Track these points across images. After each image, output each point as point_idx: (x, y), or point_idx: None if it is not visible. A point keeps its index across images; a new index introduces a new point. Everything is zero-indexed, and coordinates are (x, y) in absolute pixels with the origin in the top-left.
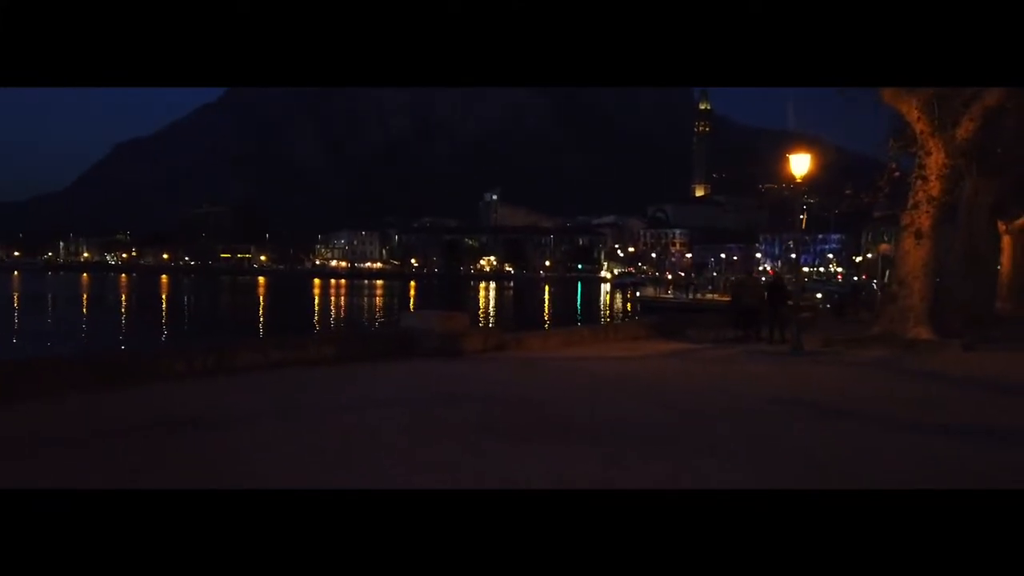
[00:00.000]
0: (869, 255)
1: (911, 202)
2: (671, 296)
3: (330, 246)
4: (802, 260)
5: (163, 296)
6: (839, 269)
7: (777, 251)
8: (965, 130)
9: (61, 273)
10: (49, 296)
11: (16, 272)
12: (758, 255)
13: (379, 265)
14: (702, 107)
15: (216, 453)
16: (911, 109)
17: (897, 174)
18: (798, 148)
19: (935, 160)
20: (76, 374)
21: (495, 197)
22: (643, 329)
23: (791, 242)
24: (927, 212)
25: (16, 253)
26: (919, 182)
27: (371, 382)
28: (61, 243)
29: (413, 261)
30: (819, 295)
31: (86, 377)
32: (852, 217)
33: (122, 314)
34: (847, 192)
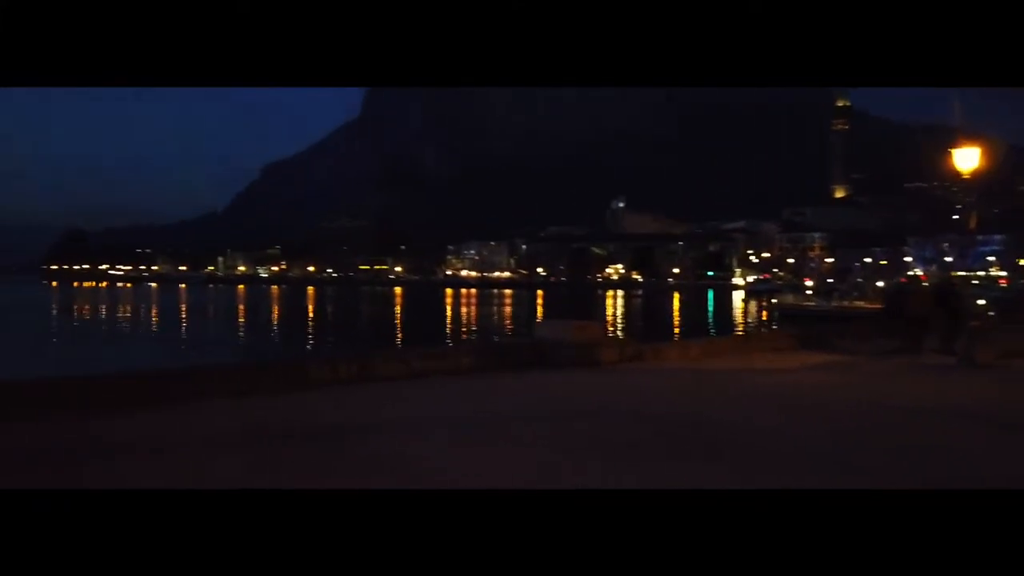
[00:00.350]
0: None
1: None
2: (813, 304)
3: (460, 256)
4: (962, 263)
5: (310, 307)
6: (1002, 273)
7: (929, 254)
8: None
9: (220, 285)
10: (210, 307)
11: (182, 285)
12: (907, 259)
13: (507, 274)
14: (839, 103)
15: (382, 455)
16: None
17: None
18: (962, 142)
19: None
20: (231, 381)
21: (622, 204)
22: (787, 339)
23: (946, 244)
24: None
25: (182, 267)
26: None
27: (512, 393)
28: (220, 258)
29: (540, 270)
30: (981, 301)
31: (240, 383)
32: (1015, 216)
33: (273, 324)
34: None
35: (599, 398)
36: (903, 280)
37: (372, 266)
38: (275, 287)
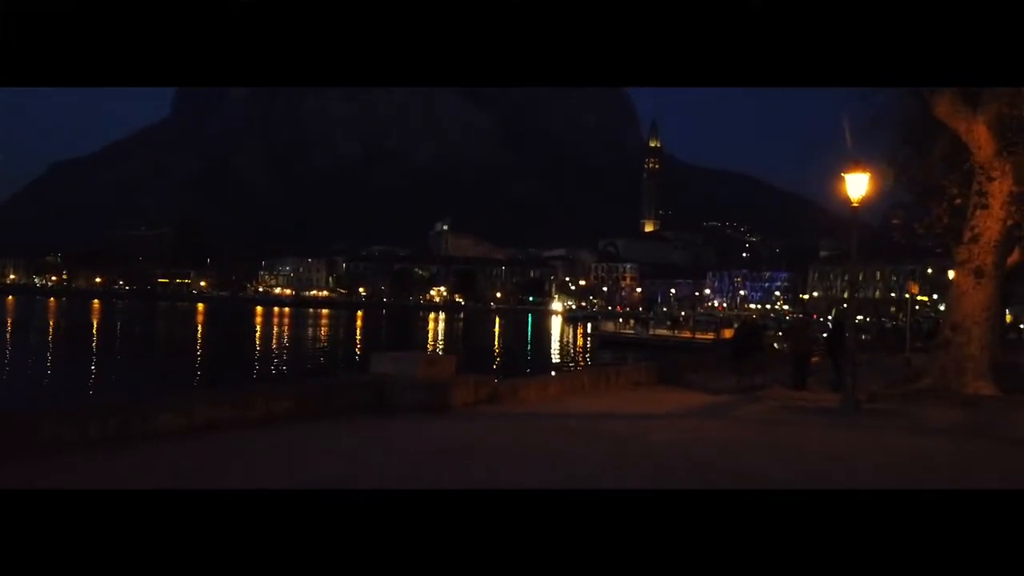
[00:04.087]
0: (815, 293)
1: (968, 235)
2: (631, 332)
3: (274, 273)
4: (750, 297)
5: (94, 323)
6: (786, 307)
7: (726, 287)
8: None
9: None
10: None
11: None
12: (707, 291)
13: (325, 293)
14: (652, 144)
15: None
16: (972, 127)
17: (958, 201)
18: (853, 168)
19: (1000, 187)
20: None
21: (446, 227)
22: (643, 374)
23: (738, 279)
24: (989, 247)
25: None
26: (979, 212)
27: (337, 458)
28: None
29: (361, 290)
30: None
31: None
32: (797, 255)
33: (48, 346)
34: (895, 222)
35: (463, 466)
36: (795, 318)
37: (173, 279)
38: (52, 299)
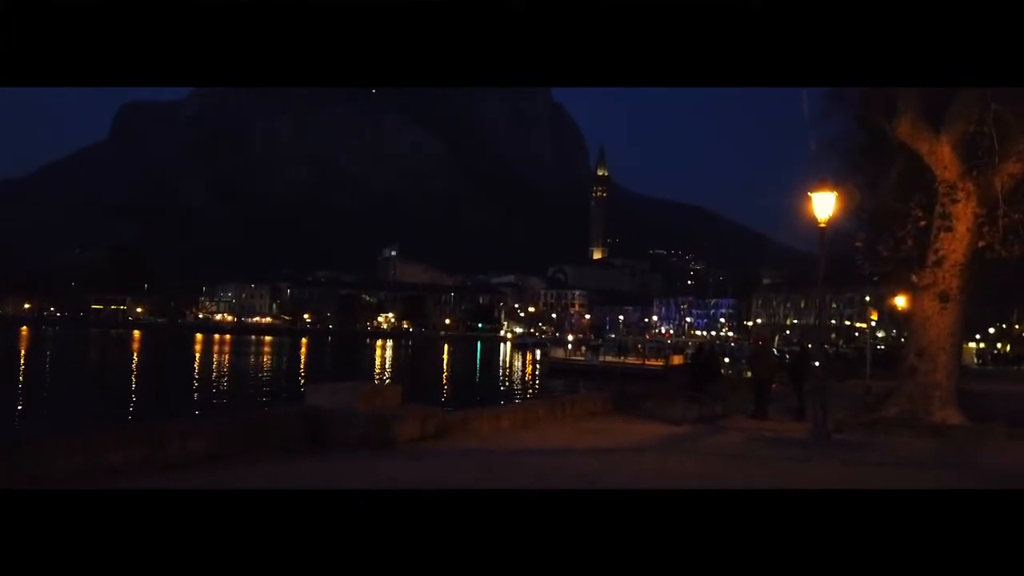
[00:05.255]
0: (759, 320)
1: (932, 258)
2: (581, 359)
3: (215, 299)
4: (696, 324)
5: (21, 351)
6: (731, 334)
7: (673, 314)
8: (1009, 174)
9: None
10: None
11: None
12: (654, 317)
13: (269, 320)
14: (600, 172)
15: None
16: (936, 148)
17: (923, 223)
18: (820, 187)
19: (965, 209)
20: None
21: (394, 253)
22: (599, 403)
23: (684, 306)
24: (955, 270)
25: None
26: (943, 234)
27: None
28: None
29: (306, 317)
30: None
31: None
32: (741, 283)
33: None
34: (857, 244)
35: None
36: (757, 345)
37: (108, 306)
38: None
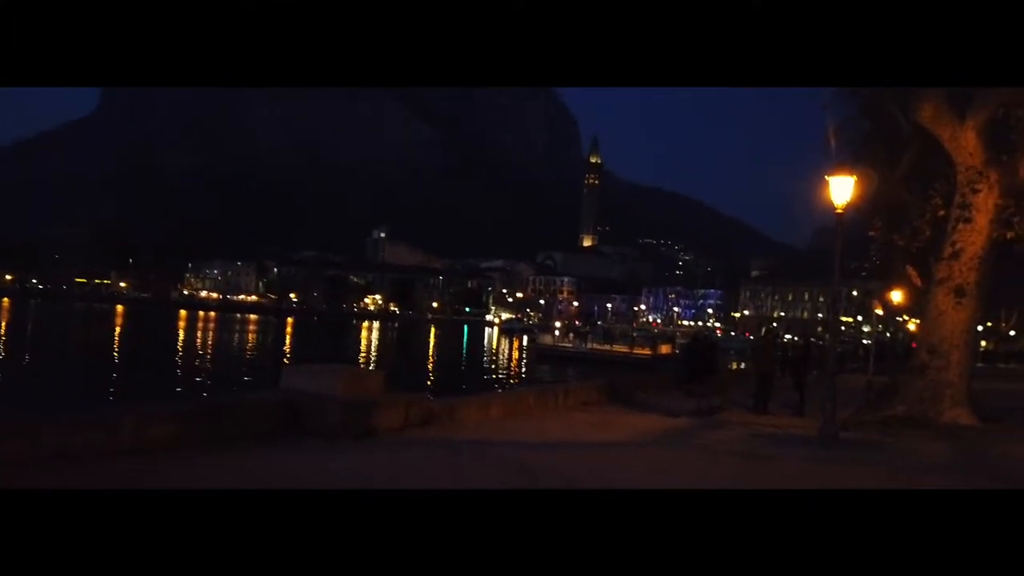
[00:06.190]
0: (746, 311)
1: (949, 250)
2: (569, 345)
3: (201, 275)
4: (683, 314)
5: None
6: (718, 324)
7: (661, 303)
8: None
9: None
10: None
11: None
12: (642, 306)
13: (254, 298)
14: (592, 160)
15: None
16: (959, 134)
17: (942, 213)
18: (838, 170)
19: (987, 199)
20: None
21: (383, 235)
22: (593, 393)
23: (672, 295)
24: (972, 263)
25: None
26: (961, 225)
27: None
28: None
29: (292, 296)
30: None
31: None
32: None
33: None
34: (871, 233)
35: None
36: (760, 337)
37: (92, 280)
38: None
